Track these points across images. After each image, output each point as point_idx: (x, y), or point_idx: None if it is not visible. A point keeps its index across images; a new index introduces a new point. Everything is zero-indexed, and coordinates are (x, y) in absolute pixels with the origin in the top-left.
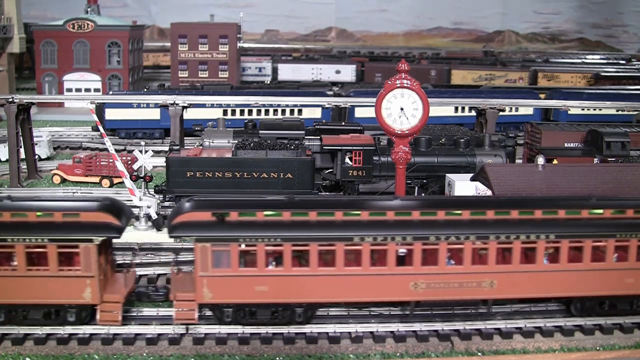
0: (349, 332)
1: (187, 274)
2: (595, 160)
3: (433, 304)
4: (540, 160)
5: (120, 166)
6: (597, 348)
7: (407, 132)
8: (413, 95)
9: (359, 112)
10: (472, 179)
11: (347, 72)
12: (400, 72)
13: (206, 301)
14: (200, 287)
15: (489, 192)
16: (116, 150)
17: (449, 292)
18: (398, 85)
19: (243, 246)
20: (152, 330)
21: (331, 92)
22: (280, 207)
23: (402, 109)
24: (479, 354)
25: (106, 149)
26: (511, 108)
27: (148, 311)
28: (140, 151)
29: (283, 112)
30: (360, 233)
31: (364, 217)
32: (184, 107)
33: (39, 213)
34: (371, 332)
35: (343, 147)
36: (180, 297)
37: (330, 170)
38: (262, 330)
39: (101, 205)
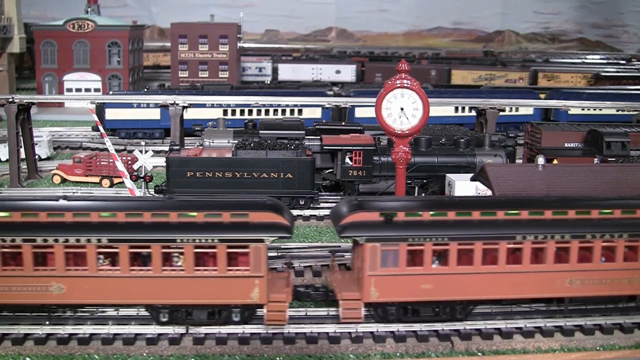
0: (349, 332)
1: (345, 273)
2: (596, 160)
3: (587, 299)
4: (541, 160)
5: (120, 166)
6: (597, 348)
7: (407, 132)
8: (413, 95)
9: (359, 112)
10: (472, 179)
11: (347, 72)
12: (400, 72)
13: (373, 300)
14: (368, 286)
15: (489, 192)
16: (116, 151)
17: (601, 288)
18: (398, 85)
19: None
20: (152, 330)
21: (331, 92)
22: (445, 207)
23: (402, 109)
24: (479, 354)
25: (106, 149)
26: (511, 108)
27: (313, 311)
28: (141, 151)
29: (283, 112)
30: (521, 232)
31: (523, 216)
32: (184, 107)
33: (205, 213)
34: (371, 332)
35: (343, 147)
36: (346, 296)
37: (330, 170)
38: (262, 330)
39: (270, 205)
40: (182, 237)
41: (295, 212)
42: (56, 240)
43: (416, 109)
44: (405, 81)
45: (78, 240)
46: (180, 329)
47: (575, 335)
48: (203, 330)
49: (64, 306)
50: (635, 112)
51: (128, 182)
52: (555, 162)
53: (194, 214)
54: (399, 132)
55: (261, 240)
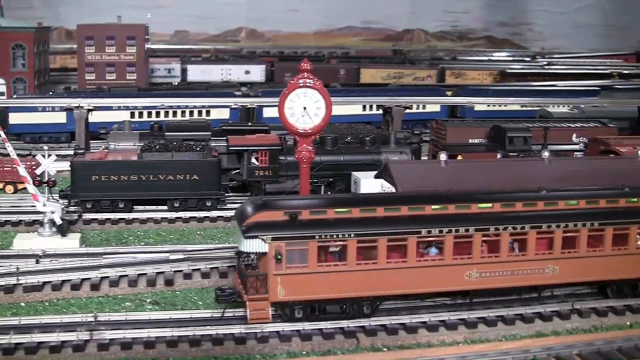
0: (255, 332)
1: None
2: (499, 155)
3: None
4: (443, 156)
5: (22, 171)
6: (500, 339)
7: (310, 131)
8: (316, 94)
9: (268, 112)
10: (377, 176)
11: (257, 72)
12: (303, 72)
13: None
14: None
15: (393, 189)
16: (21, 155)
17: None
18: (301, 84)
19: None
20: (55, 337)
21: (239, 93)
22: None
23: (305, 108)
24: (385, 349)
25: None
26: (418, 106)
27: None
28: (43, 155)
29: (191, 113)
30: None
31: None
32: (89, 110)
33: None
34: (277, 332)
35: (249, 148)
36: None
37: (237, 170)
38: (168, 333)
39: None
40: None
41: (202, 214)
42: None
43: (319, 108)
44: (308, 80)
45: None
46: (85, 335)
47: (478, 327)
48: (108, 335)
49: None
50: (538, 108)
51: (31, 188)
52: (459, 158)
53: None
54: (302, 131)
55: None
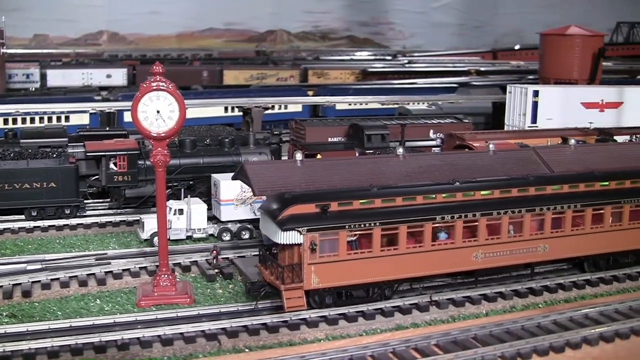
0: (115, 340)
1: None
2: (357, 153)
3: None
4: (298, 155)
5: None
6: (361, 334)
7: (163, 134)
8: (169, 97)
9: (129, 117)
10: (233, 178)
11: (119, 76)
12: (155, 75)
13: None
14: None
15: (250, 191)
16: None
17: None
18: (154, 87)
19: None
20: None
21: (99, 97)
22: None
23: (158, 111)
24: (247, 350)
25: None
26: (280, 106)
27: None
28: None
29: (50, 119)
30: None
31: None
32: None
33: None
34: (137, 338)
35: (107, 153)
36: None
37: (96, 177)
38: (25, 346)
39: None
40: None
41: (61, 222)
42: None
43: (172, 110)
44: (160, 83)
45: None
46: None
47: (339, 324)
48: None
49: None
50: (397, 106)
51: None
52: (319, 156)
53: None
54: (156, 135)
55: None
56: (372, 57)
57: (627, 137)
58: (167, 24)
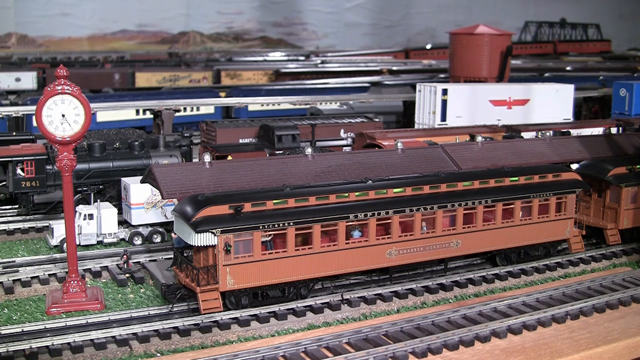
0: (23, 350)
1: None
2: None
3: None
4: (207, 157)
5: None
6: (273, 334)
7: (69, 139)
8: (74, 101)
9: None
10: (142, 181)
11: (28, 80)
12: (60, 78)
13: None
14: None
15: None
16: None
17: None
18: (59, 91)
19: None
20: None
21: (7, 102)
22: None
23: (63, 115)
24: (158, 354)
25: None
26: (192, 108)
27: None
28: None
29: None
30: None
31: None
32: None
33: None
34: (47, 347)
35: (13, 158)
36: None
37: (3, 183)
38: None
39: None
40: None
41: None
42: None
43: (78, 114)
44: (65, 87)
45: None
46: None
47: (251, 325)
48: None
49: None
50: (308, 106)
51: None
52: (229, 158)
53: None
54: (61, 139)
55: (574, 192)
56: (286, 58)
57: (534, 134)
58: (78, 26)
